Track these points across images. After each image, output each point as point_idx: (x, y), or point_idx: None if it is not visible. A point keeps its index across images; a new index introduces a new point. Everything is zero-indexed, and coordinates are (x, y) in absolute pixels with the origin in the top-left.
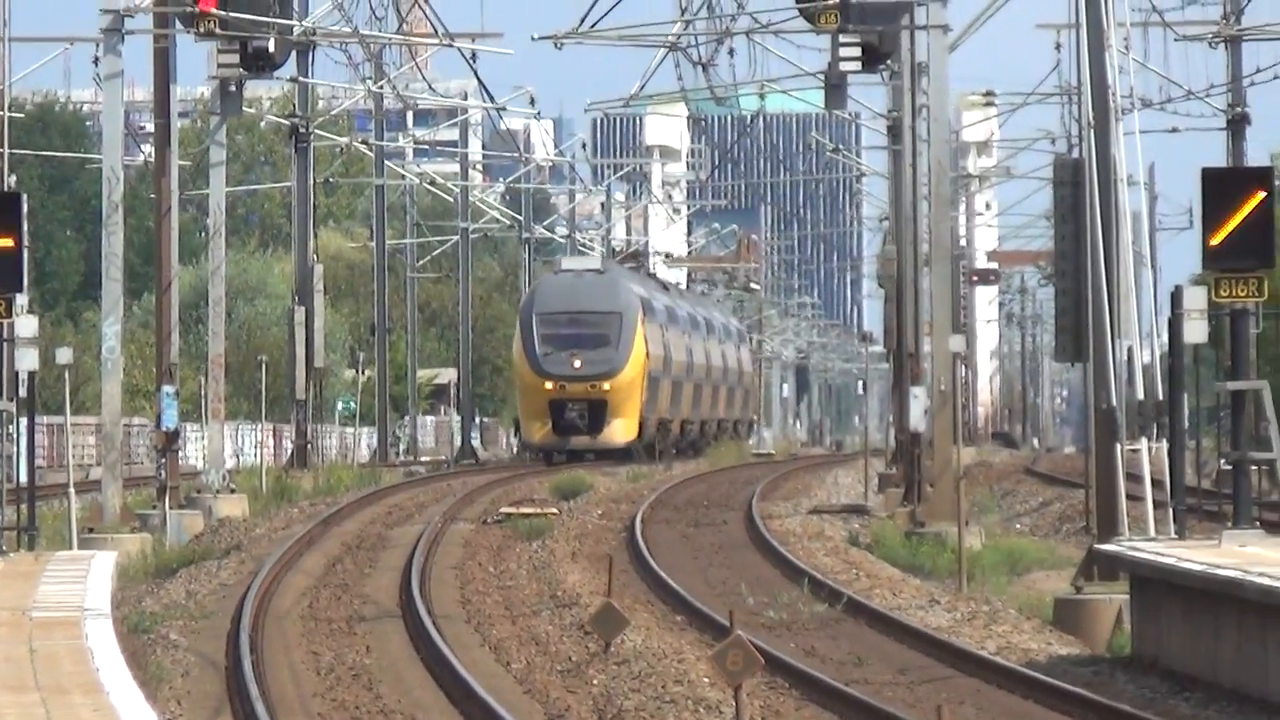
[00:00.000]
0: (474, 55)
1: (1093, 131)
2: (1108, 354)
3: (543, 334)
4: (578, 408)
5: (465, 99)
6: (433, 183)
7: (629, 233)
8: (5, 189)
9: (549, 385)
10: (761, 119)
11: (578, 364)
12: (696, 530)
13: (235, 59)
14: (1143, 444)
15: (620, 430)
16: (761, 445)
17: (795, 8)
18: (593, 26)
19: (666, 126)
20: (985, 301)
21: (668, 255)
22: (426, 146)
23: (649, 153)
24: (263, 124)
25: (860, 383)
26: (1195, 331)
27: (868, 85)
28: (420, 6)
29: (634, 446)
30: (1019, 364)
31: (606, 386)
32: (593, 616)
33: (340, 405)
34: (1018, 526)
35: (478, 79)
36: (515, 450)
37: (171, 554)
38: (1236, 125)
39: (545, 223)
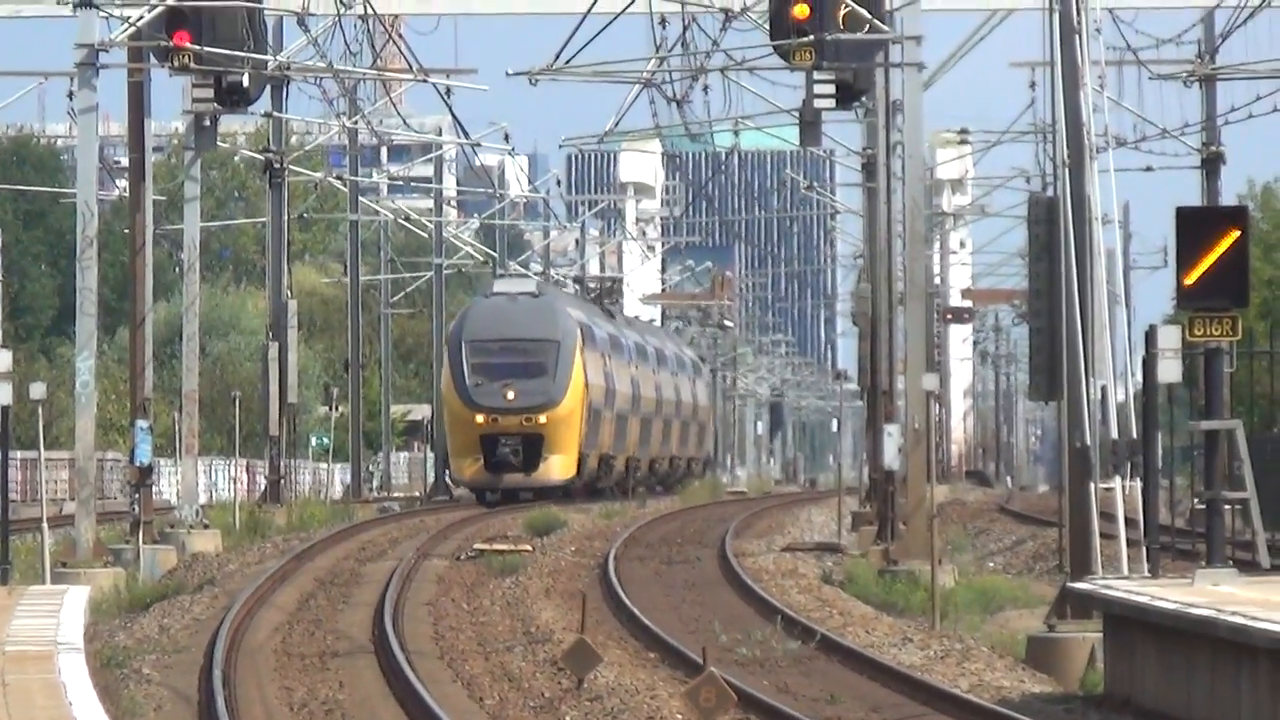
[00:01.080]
0: (448, 91)
1: (1067, 170)
2: (1082, 393)
3: (473, 363)
4: (511, 443)
5: (439, 134)
6: (407, 218)
7: (603, 269)
8: None
9: (480, 418)
10: (736, 156)
11: (511, 395)
12: (670, 567)
13: (209, 93)
14: (1116, 483)
15: (557, 467)
16: (735, 483)
17: (769, 45)
18: (567, 63)
19: (641, 163)
20: (959, 340)
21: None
22: (401, 182)
23: (623, 189)
24: (237, 159)
25: (834, 420)
26: (1169, 371)
27: (842, 122)
28: (395, 42)
29: (572, 484)
30: (993, 402)
31: (542, 419)
32: (566, 653)
33: (314, 441)
34: (991, 565)
35: (452, 115)
36: (430, 491)
37: (145, 589)
38: (1211, 164)
39: (520, 259)
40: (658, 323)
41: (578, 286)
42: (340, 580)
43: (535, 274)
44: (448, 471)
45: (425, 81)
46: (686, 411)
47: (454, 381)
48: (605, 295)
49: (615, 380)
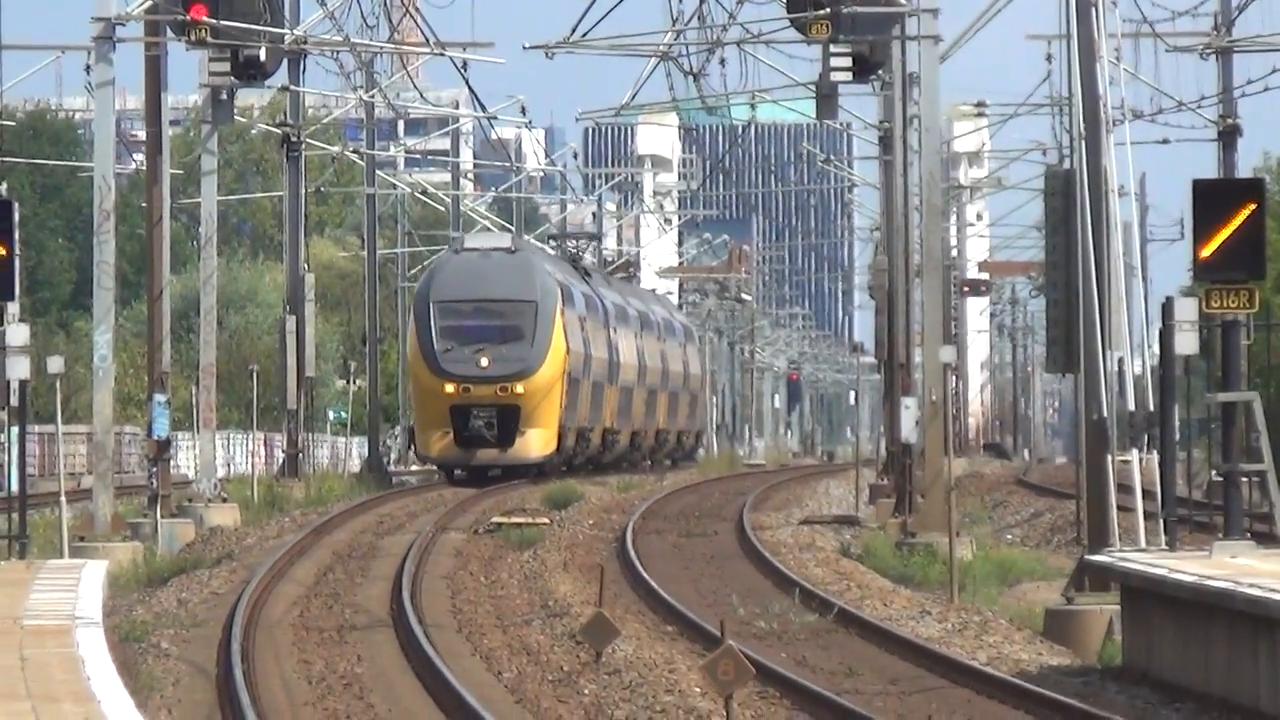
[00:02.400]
0: (465, 64)
1: (1084, 142)
2: (1099, 365)
3: (442, 326)
4: (484, 415)
5: (456, 108)
6: (424, 192)
7: (620, 243)
8: None
9: (449, 388)
10: (753, 129)
11: (484, 362)
12: (688, 540)
13: (226, 67)
14: (1134, 455)
15: (536, 442)
16: (753, 455)
17: (786, 18)
18: (584, 36)
19: (658, 136)
20: (976, 312)
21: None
22: (418, 156)
23: (640, 162)
24: (254, 132)
25: (852, 393)
26: (1186, 343)
27: (859, 95)
28: (411, 15)
29: (551, 462)
30: (1010, 375)
31: (519, 389)
32: (584, 626)
33: (331, 415)
34: (1009, 537)
35: (469, 88)
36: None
37: (163, 563)
38: (1228, 136)
39: (536, 232)
40: (674, 296)
41: (553, 243)
42: (358, 554)
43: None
44: (413, 447)
45: (442, 55)
46: (675, 381)
47: (421, 347)
48: (581, 252)
49: (592, 345)
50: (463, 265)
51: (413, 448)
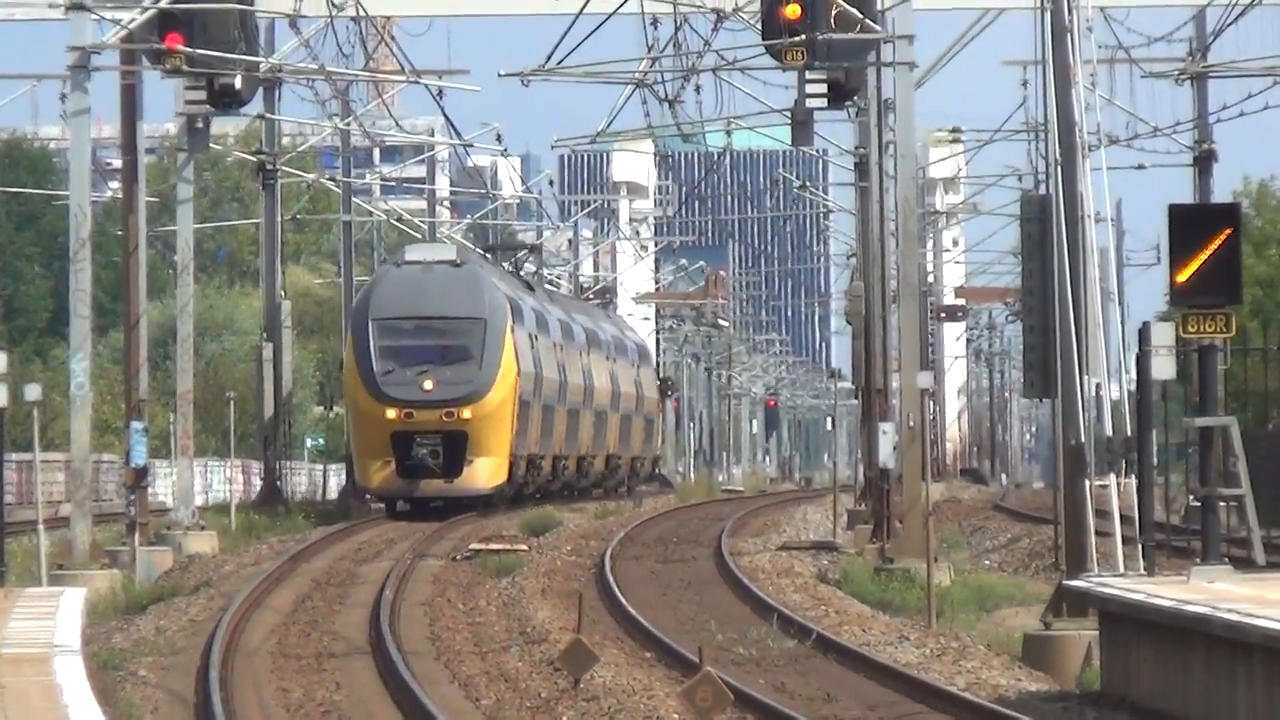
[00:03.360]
0: (440, 92)
1: (1059, 168)
2: (1075, 390)
3: (382, 346)
4: (429, 443)
5: (432, 135)
6: (400, 219)
7: (597, 269)
8: None
9: (390, 413)
10: (729, 155)
11: (428, 385)
12: (666, 566)
13: (202, 95)
14: (1111, 480)
15: (484, 472)
16: (730, 481)
17: (762, 45)
18: (559, 63)
19: (634, 163)
20: (953, 338)
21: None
22: (393, 183)
23: (616, 189)
24: (230, 160)
25: (829, 419)
26: (1163, 367)
27: (834, 122)
28: (387, 44)
29: (502, 494)
30: (987, 400)
31: (466, 414)
32: (562, 653)
33: (309, 442)
34: (986, 563)
35: (444, 116)
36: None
37: (141, 591)
38: (1203, 162)
39: (511, 259)
40: (651, 322)
41: (490, 255)
42: (336, 581)
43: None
44: (349, 478)
45: (418, 83)
46: (626, 403)
47: (359, 368)
48: (521, 264)
49: (542, 365)
50: (404, 279)
51: (351, 480)
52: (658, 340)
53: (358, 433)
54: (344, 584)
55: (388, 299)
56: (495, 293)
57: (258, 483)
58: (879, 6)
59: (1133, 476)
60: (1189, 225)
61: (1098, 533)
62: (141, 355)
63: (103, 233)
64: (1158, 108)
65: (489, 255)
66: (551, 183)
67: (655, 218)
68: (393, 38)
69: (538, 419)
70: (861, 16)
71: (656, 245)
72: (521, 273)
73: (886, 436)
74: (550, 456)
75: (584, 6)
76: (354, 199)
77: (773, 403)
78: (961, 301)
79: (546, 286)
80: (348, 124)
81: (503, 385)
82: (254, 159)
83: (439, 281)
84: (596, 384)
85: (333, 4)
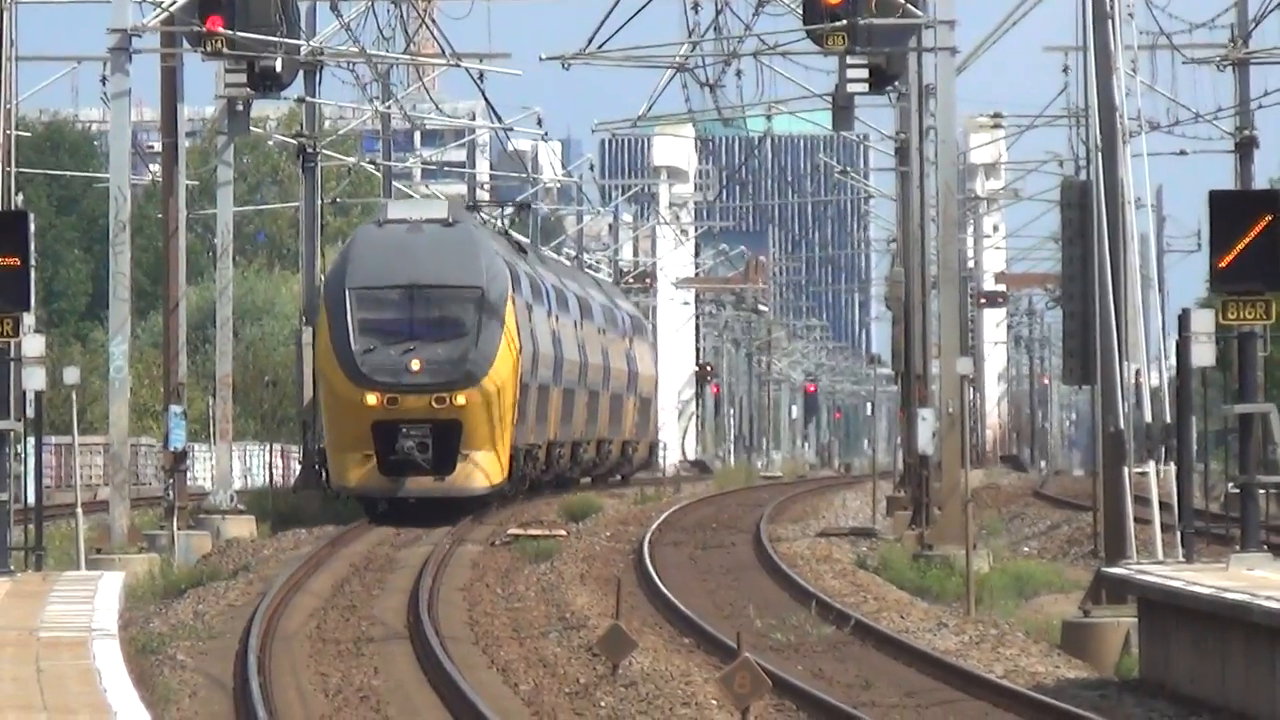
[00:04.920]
0: (481, 76)
1: (1100, 154)
2: (1115, 377)
3: (361, 320)
4: (416, 434)
5: (473, 119)
6: None
7: (636, 253)
8: (12, 208)
9: (371, 399)
10: (769, 140)
11: (416, 366)
12: (704, 552)
13: (242, 78)
14: (1151, 467)
15: (481, 468)
16: (770, 467)
17: (803, 30)
18: (600, 47)
19: (674, 147)
20: (993, 324)
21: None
22: (434, 167)
23: (656, 174)
24: (270, 143)
25: (869, 404)
26: (1203, 354)
27: (875, 107)
28: (427, 27)
29: (501, 492)
30: (1027, 387)
31: (461, 401)
32: (600, 638)
33: None
34: (1025, 549)
35: (485, 99)
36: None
37: (179, 575)
38: (1244, 148)
39: (553, 244)
40: (691, 306)
41: (477, 211)
42: (375, 566)
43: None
44: (325, 474)
45: (458, 66)
46: (618, 381)
47: (334, 347)
48: (514, 221)
49: (539, 340)
50: (387, 241)
51: (325, 476)
52: (698, 325)
53: (332, 422)
54: (382, 569)
55: (368, 265)
56: (493, 257)
57: (296, 467)
58: None
59: (1172, 463)
60: (1230, 211)
61: (1137, 520)
62: (181, 339)
63: (143, 216)
64: (1199, 94)
65: (476, 211)
66: (592, 167)
67: (695, 202)
68: (433, 21)
69: (536, 404)
70: (903, 2)
71: (697, 230)
72: (510, 232)
73: (926, 423)
74: (545, 445)
75: None
76: (394, 183)
77: (812, 388)
78: (1002, 287)
79: (540, 249)
80: (388, 107)
81: (503, 366)
82: (294, 142)
83: (428, 244)
84: (589, 360)
85: None
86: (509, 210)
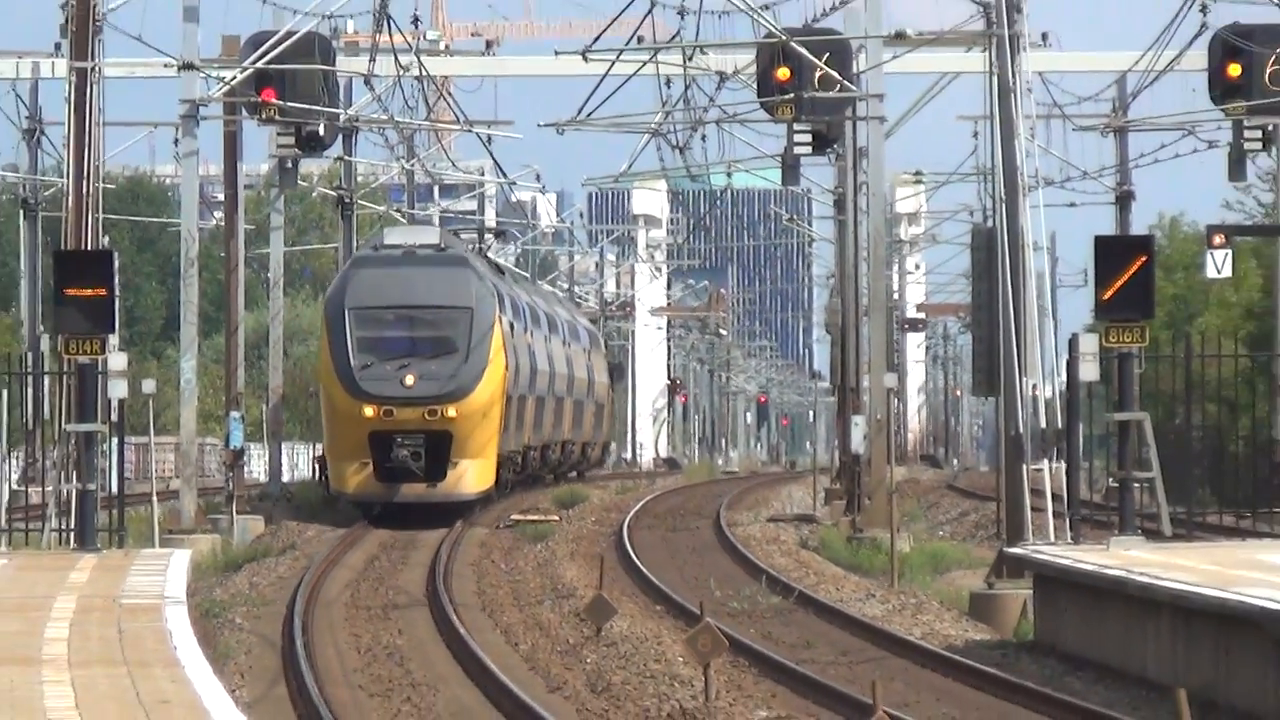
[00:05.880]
0: (489, 139)
1: (1003, 205)
2: (1015, 389)
3: (360, 338)
4: (410, 443)
5: (482, 175)
6: None
7: (618, 287)
8: (100, 248)
9: (368, 411)
10: (729, 193)
11: (410, 381)
12: (674, 535)
13: (291, 140)
14: (1044, 464)
15: (471, 476)
16: (728, 464)
17: (757, 101)
18: (589, 115)
19: (650, 199)
20: (914, 345)
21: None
22: (450, 214)
23: (635, 221)
24: (314, 195)
25: (810, 412)
26: (1089, 371)
27: (817, 166)
28: (445, 98)
29: (490, 497)
30: (942, 397)
31: (452, 413)
32: (587, 606)
33: None
34: (940, 533)
35: (493, 158)
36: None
37: (237, 552)
38: (1123, 201)
39: (549, 278)
40: (664, 331)
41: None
42: (400, 545)
43: (577, 296)
44: (326, 480)
45: (470, 131)
46: (580, 389)
47: (334, 363)
48: (488, 248)
49: (519, 355)
50: (383, 265)
51: (324, 482)
52: (669, 346)
53: (332, 432)
54: (406, 548)
55: (366, 287)
56: (481, 279)
57: None
58: (855, 70)
59: (1062, 462)
60: (1111, 253)
61: (1033, 509)
62: (239, 356)
63: (208, 254)
64: (1086, 155)
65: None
66: (581, 215)
67: (667, 244)
68: (449, 93)
69: (518, 414)
70: (840, 78)
71: (668, 267)
72: (488, 255)
73: (858, 427)
74: (523, 449)
75: (609, 69)
76: None
77: (764, 399)
78: (921, 315)
79: (511, 268)
80: (412, 165)
81: (491, 381)
82: (334, 194)
83: (421, 268)
84: (557, 370)
85: (400, 65)
86: (490, 238)
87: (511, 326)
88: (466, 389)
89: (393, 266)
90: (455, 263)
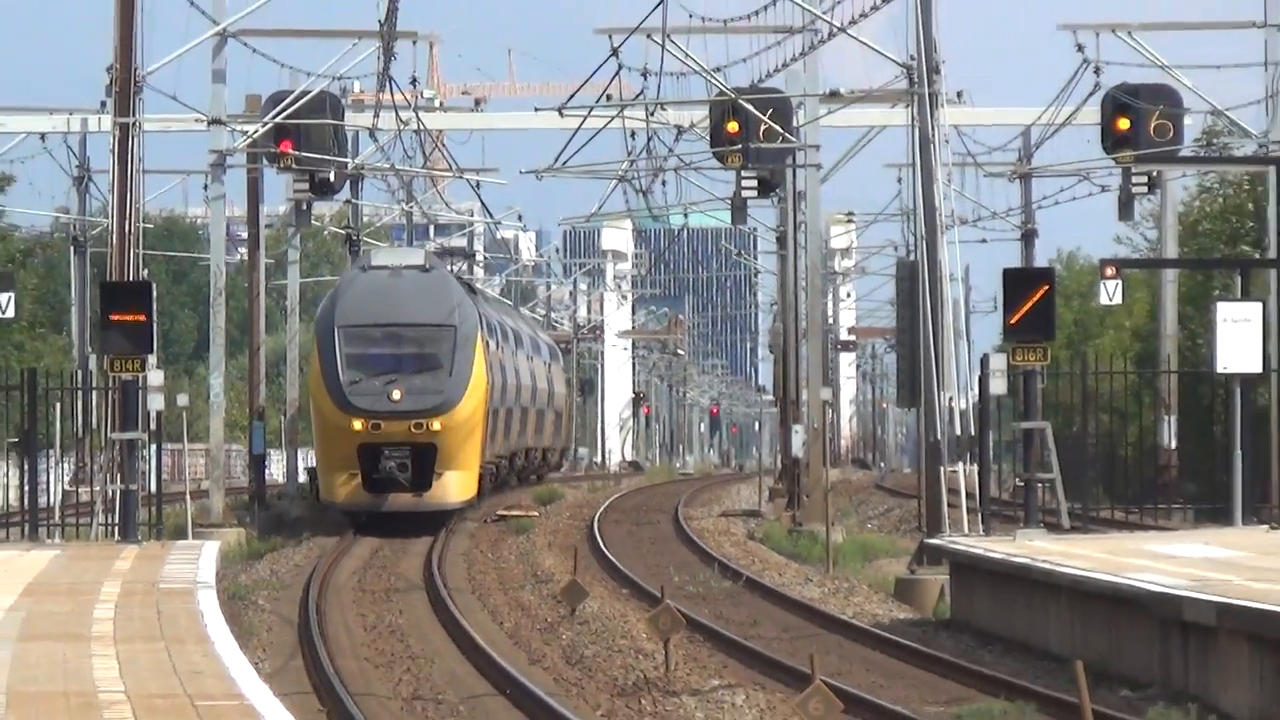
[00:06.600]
0: (478, 184)
1: (924, 242)
2: (935, 401)
3: (349, 354)
4: (397, 455)
5: (472, 215)
6: None
7: (589, 312)
8: (140, 280)
9: (357, 424)
10: (686, 231)
11: (396, 395)
12: (639, 528)
13: (306, 186)
14: (960, 467)
15: (455, 486)
16: (685, 466)
17: (710, 151)
18: (564, 164)
19: (617, 236)
20: (847, 363)
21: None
22: (443, 251)
23: (604, 255)
24: (325, 233)
25: (756, 422)
26: (998, 385)
27: (762, 207)
28: (439, 149)
29: (473, 507)
30: (870, 409)
31: (436, 426)
32: (563, 589)
33: None
34: (869, 526)
35: (480, 201)
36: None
37: (259, 544)
38: (1028, 238)
39: (529, 305)
40: (629, 352)
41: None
42: (399, 539)
43: (553, 321)
44: (315, 489)
45: (461, 177)
46: (542, 399)
47: (325, 378)
48: (461, 261)
49: (496, 370)
50: (371, 285)
51: (315, 491)
52: (634, 364)
53: (323, 444)
54: (405, 541)
55: (355, 305)
56: (464, 298)
57: None
58: (795, 124)
59: (975, 464)
60: (1017, 283)
61: (949, 505)
62: (261, 373)
63: (234, 285)
64: (995, 198)
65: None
66: (557, 250)
67: (632, 276)
68: (443, 144)
69: (496, 426)
70: (782, 131)
71: (633, 296)
72: (461, 276)
73: (797, 434)
74: (498, 459)
75: (582, 123)
76: None
77: (716, 410)
78: (853, 337)
79: (479, 287)
80: (410, 207)
81: (474, 395)
82: (343, 232)
83: (407, 287)
84: (523, 382)
85: (400, 120)
86: (461, 259)
87: (488, 343)
88: (451, 403)
89: (380, 286)
90: (439, 282)
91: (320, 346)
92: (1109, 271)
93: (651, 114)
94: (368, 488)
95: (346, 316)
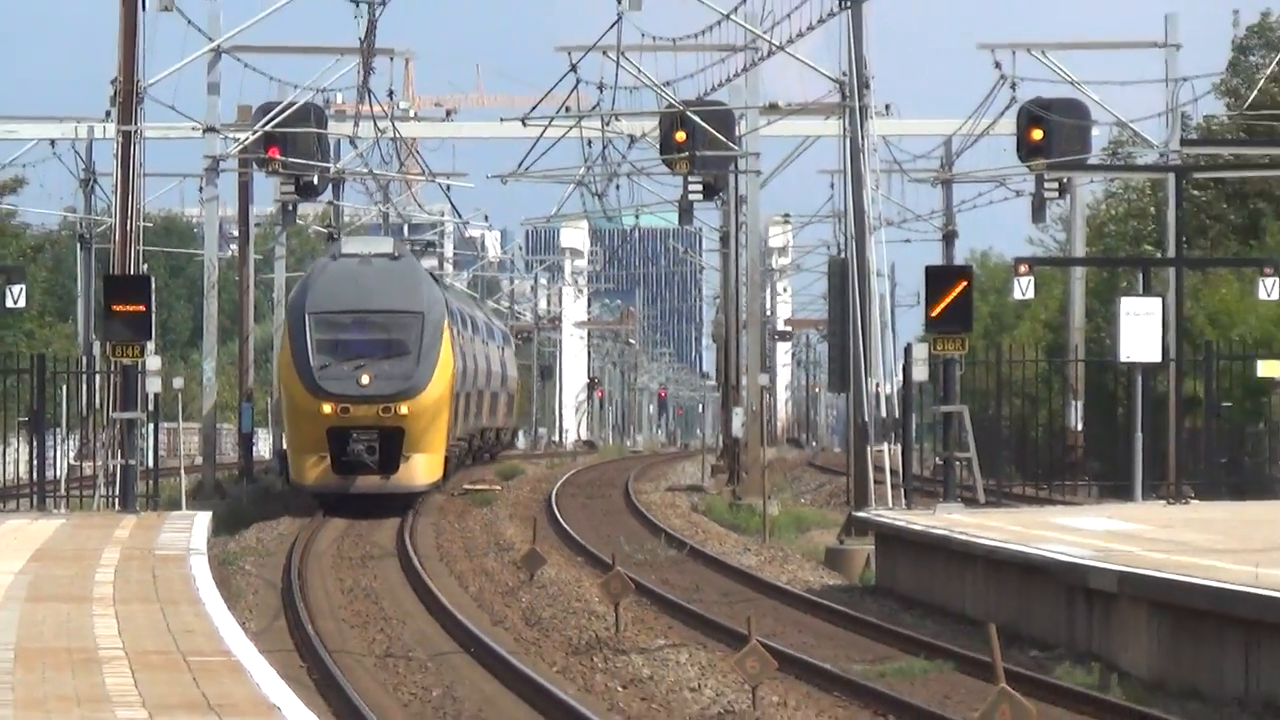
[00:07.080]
0: (448, 187)
1: (854, 241)
2: (863, 386)
3: (319, 340)
4: (365, 438)
5: (442, 216)
6: None
7: (549, 305)
8: (140, 274)
9: (326, 408)
10: (637, 231)
11: (365, 380)
12: (592, 501)
13: (291, 188)
14: (885, 446)
15: (421, 469)
16: (635, 445)
17: (660, 158)
18: (527, 169)
19: (574, 235)
20: (783, 352)
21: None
22: (418, 248)
23: (563, 252)
24: (309, 232)
25: (700, 404)
26: (920, 372)
27: (707, 209)
28: (414, 155)
29: (439, 489)
30: (804, 393)
31: (404, 410)
32: (522, 557)
33: None
34: (802, 500)
35: (450, 203)
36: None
37: (247, 514)
38: (948, 238)
39: (494, 297)
40: (585, 341)
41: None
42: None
43: (516, 312)
44: (286, 473)
45: (433, 181)
46: (496, 382)
47: (295, 363)
48: (421, 256)
49: (460, 355)
50: (340, 273)
51: (285, 474)
52: (589, 352)
53: (293, 428)
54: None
55: (325, 292)
56: (431, 286)
57: None
58: (737, 133)
59: (898, 444)
60: (939, 280)
61: (876, 481)
62: (250, 358)
63: (225, 278)
64: (919, 202)
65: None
66: (520, 247)
67: (588, 271)
68: (417, 151)
69: (459, 409)
70: (726, 140)
71: (589, 290)
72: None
73: (738, 416)
74: (460, 440)
75: (543, 132)
76: None
77: (664, 394)
78: (789, 328)
79: (437, 273)
80: (387, 208)
81: (440, 380)
82: (325, 231)
83: (376, 274)
84: (481, 366)
85: (378, 129)
86: (427, 251)
87: (454, 329)
88: (418, 388)
89: (350, 273)
90: (407, 270)
91: (291, 332)
92: (1023, 269)
93: (607, 124)
94: (336, 470)
95: (317, 303)
